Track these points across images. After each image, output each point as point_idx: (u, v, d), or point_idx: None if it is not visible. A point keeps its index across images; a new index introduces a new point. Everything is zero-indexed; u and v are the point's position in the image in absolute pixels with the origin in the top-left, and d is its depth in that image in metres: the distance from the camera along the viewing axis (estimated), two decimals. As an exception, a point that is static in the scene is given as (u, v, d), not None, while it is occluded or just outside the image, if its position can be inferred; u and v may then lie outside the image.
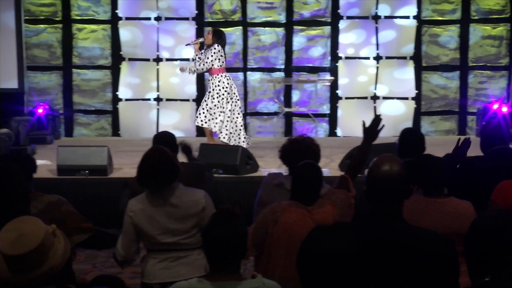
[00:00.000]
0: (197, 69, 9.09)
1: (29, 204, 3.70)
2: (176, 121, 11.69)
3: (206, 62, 8.90)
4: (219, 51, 8.88)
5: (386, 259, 2.68)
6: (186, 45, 9.63)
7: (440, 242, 2.76)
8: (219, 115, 8.88)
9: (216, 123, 8.88)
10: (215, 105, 8.88)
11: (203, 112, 8.96)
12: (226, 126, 8.90)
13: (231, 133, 8.92)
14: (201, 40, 9.20)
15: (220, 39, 9.00)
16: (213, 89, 8.91)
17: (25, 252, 2.50)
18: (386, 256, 2.68)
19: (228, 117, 8.90)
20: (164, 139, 4.98)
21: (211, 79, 8.95)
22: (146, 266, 4.09)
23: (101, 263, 6.78)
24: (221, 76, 8.91)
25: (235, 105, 8.96)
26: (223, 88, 8.88)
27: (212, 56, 8.86)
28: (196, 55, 9.10)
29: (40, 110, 10.86)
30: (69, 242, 2.65)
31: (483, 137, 4.95)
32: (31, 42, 11.53)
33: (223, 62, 8.93)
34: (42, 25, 11.56)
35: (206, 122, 8.94)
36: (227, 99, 8.89)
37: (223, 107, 8.88)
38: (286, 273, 3.69)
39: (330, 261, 2.08)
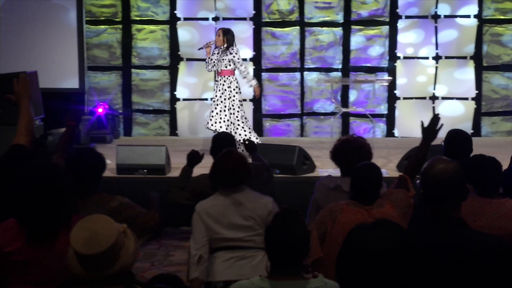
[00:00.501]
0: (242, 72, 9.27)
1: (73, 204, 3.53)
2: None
3: (243, 63, 9.07)
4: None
5: (442, 262, 2.63)
6: (199, 49, 9.74)
7: (499, 245, 2.71)
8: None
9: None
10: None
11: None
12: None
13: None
14: (212, 42, 9.38)
15: (233, 38, 9.23)
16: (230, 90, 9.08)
17: (98, 252, 2.51)
18: (442, 259, 2.64)
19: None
20: (224, 140, 5.02)
21: (227, 80, 9.09)
22: (211, 265, 4.13)
23: (159, 261, 6.86)
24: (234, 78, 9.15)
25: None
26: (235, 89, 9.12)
27: (240, 57, 9.09)
28: (209, 57, 9.27)
29: (100, 110, 11.03)
30: (138, 241, 2.67)
31: None
32: (91, 43, 11.72)
33: None
34: (102, 26, 11.74)
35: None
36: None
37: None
38: None
39: (370, 260, 2.06)
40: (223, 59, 9.12)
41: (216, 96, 9.23)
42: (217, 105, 9.17)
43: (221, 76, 9.17)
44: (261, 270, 3.91)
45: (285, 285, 2.89)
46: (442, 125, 4.15)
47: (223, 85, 9.15)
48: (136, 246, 2.61)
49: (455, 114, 11.66)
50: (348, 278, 2.09)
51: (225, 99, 9.11)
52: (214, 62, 9.24)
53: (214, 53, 9.28)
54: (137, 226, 4.05)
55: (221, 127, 9.04)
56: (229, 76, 9.13)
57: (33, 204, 3.09)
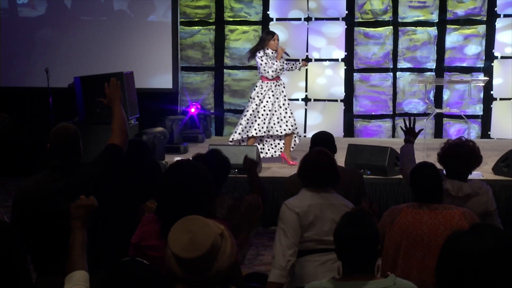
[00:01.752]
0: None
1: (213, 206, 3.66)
2: (323, 122, 11.69)
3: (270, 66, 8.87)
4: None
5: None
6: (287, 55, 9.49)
7: None
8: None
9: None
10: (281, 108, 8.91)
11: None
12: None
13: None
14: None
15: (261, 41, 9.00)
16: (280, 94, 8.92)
17: (196, 256, 2.51)
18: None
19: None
20: (323, 140, 5.01)
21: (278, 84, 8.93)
22: (302, 269, 4.03)
23: (250, 261, 6.90)
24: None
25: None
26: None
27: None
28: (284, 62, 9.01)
29: (192, 110, 11.21)
30: (235, 244, 2.66)
31: None
32: (185, 43, 11.92)
33: None
34: (196, 27, 11.92)
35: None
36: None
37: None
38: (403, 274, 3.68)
39: (473, 264, 2.01)
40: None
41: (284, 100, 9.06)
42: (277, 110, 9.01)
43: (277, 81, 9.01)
44: None
45: (352, 285, 2.87)
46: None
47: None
48: (233, 249, 2.59)
49: (555, 115, 11.26)
50: (450, 283, 2.05)
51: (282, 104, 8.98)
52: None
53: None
54: (251, 217, 4.16)
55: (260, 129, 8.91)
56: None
57: (183, 201, 3.18)
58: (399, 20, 11.53)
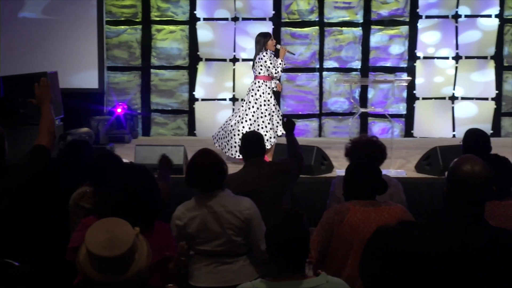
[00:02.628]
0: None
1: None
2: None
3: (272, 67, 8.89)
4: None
5: (471, 262, 2.62)
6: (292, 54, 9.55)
7: None
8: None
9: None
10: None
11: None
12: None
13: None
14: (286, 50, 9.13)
15: (261, 41, 8.99)
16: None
17: (117, 255, 2.47)
18: (470, 259, 2.62)
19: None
20: (253, 140, 5.01)
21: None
22: (193, 267, 4.06)
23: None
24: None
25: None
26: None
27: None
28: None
29: (119, 110, 11.09)
30: (149, 245, 2.64)
31: None
32: (111, 43, 11.78)
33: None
34: (122, 26, 11.79)
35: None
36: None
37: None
38: (354, 272, 3.68)
39: (398, 261, 2.04)
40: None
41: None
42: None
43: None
44: (243, 275, 3.88)
45: (283, 285, 2.88)
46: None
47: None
48: (149, 250, 2.57)
49: (475, 114, 11.59)
50: (374, 279, 2.07)
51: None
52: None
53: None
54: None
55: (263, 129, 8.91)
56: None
57: (131, 201, 3.14)
58: (325, 20, 11.67)
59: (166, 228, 3.33)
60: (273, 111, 8.83)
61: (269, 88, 8.89)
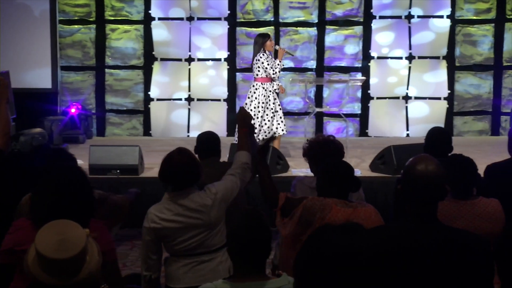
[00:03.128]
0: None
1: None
2: (206, 121, 11.71)
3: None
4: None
5: (423, 261, 2.66)
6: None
7: (476, 243, 2.74)
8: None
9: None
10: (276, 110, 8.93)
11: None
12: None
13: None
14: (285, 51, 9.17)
15: (258, 42, 8.99)
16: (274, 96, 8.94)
17: (69, 257, 2.43)
18: (422, 257, 2.66)
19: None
20: (208, 140, 4.98)
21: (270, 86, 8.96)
22: (170, 269, 4.02)
23: (132, 262, 6.83)
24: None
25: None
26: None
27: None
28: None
29: (73, 110, 10.97)
30: (98, 247, 2.60)
31: (510, 139, 4.90)
32: (65, 42, 11.65)
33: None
34: (76, 26, 11.67)
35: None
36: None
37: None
38: None
39: (333, 263, 2.05)
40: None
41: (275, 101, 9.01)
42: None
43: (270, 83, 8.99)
44: (221, 272, 3.87)
45: (246, 286, 2.88)
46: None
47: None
48: (99, 252, 2.55)
49: (428, 113, 11.75)
50: (308, 279, 2.08)
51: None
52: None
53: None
54: (116, 213, 4.10)
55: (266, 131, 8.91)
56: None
57: (64, 201, 3.10)
58: (280, 20, 11.71)
59: (101, 225, 3.30)
60: (269, 112, 8.83)
61: (265, 90, 8.86)
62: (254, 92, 8.88)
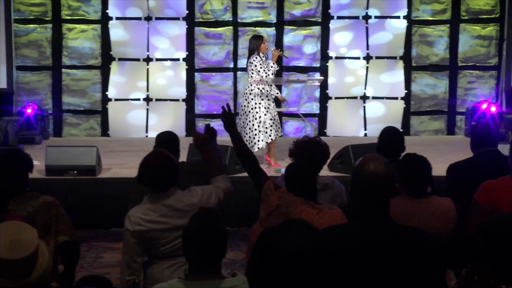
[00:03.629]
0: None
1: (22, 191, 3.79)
2: (165, 121, 11.66)
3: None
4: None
5: (375, 259, 2.68)
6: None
7: (428, 240, 2.78)
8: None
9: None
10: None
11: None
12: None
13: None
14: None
15: (253, 44, 8.94)
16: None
17: (22, 257, 2.41)
18: (375, 255, 2.68)
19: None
20: (168, 140, 4.96)
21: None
22: (153, 272, 3.97)
23: (89, 264, 6.78)
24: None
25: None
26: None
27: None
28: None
29: (29, 110, 10.82)
30: (49, 249, 2.59)
31: (473, 137, 4.97)
32: (20, 42, 11.49)
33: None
34: (32, 25, 11.52)
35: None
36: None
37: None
38: None
39: (284, 262, 2.06)
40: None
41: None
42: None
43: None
44: None
45: (201, 285, 2.88)
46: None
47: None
48: (50, 253, 2.54)
49: (385, 113, 11.87)
50: (260, 280, 2.09)
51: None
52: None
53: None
54: (62, 225, 4.08)
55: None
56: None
57: None
58: (239, 20, 11.71)
59: (18, 219, 3.27)
60: (265, 115, 8.77)
61: (261, 90, 8.79)
62: (250, 94, 8.82)
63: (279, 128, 8.94)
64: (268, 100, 8.86)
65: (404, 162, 4.10)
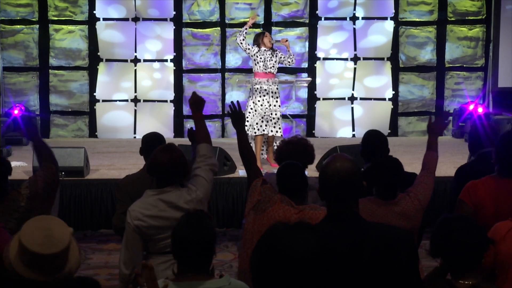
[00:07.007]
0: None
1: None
2: (153, 122, 11.64)
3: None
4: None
5: (347, 257, 2.68)
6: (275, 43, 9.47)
7: (400, 236, 2.80)
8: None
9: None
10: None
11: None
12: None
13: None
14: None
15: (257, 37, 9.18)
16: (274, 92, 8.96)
17: (55, 252, 2.43)
18: (347, 254, 2.68)
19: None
20: (153, 141, 4.95)
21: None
22: None
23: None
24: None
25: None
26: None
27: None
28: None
29: (16, 111, 10.77)
30: (79, 246, 2.59)
31: (470, 140, 4.99)
32: (7, 43, 11.45)
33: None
34: (18, 26, 11.48)
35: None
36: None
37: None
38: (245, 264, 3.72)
39: (290, 261, 2.07)
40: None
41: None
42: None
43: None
44: None
45: (188, 285, 2.89)
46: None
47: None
48: (80, 251, 2.55)
49: (373, 114, 11.90)
50: (264, 278, 2.09)
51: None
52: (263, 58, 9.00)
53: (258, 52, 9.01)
54: (49, 191, 3.98)
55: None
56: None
57: None
58: (227, 21, 11.71)
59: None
60: (259, 110, 8.83)
61: (259, 84, 8.90)
62: (253, 86, 8.97)
63: (268, 126, 8.91)
64: (264, 96, 8.89)
65: (377, 165, 4.12)
